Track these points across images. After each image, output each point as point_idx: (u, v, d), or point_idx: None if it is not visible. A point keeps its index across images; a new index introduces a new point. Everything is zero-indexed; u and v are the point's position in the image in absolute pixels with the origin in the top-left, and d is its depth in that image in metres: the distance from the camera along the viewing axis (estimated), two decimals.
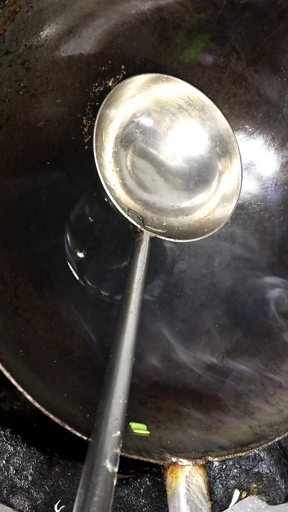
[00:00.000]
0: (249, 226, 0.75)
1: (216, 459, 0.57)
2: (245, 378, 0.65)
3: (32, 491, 0.62)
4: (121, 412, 0.52)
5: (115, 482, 0.49)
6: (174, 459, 0.56)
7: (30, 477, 0.63)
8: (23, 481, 0.63)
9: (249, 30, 0.67)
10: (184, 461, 0.56)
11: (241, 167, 0.71)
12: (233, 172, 0.71)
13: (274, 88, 0.70)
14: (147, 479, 0.65)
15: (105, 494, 0.47)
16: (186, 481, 0.55)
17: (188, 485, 0.55)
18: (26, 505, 0.62)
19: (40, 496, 0.62)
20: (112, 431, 0.51)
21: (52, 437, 0.76)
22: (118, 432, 0.51)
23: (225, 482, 0.66)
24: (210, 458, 0.57)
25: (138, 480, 0.65)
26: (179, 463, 0.56)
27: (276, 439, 0.59)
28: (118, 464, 0.50)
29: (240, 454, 0.58)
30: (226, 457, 0.57)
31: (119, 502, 0.64)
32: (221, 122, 0.71)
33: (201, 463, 0.57)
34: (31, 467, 0.63)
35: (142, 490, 0.64)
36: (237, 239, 0.75)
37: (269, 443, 0.58)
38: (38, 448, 0.65)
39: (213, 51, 0.70)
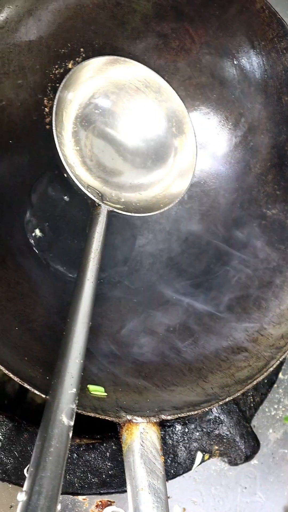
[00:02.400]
0: (205, 203, 0.78)
1: (169, 417, 0.60)
2: (200, 345, 0.68)
3: (2, 457, 0.65)
4: (77, 370, 0.55)
5: (70, 435, 0.52)
6: (129, 417, 0.60)
7: None
8: None
9: (202, 14, 0.70)
10: (139, 419, 0.60)
11: (196, 146, 0.74)
12: (188, 150, 0.74)
13: (227, 71, 0.73)
14: (112, 443, 0.68)
15: (61, 445, 0.50)
16: (140, 438, 0.59)
17: (142, 441, 0.58)
18: None
19: (9, 461, 0.65)
20: (68, 388, 0.54)
21: (20, 409, 0.79)
22: (74, 389, 0.54)
23: (188, 445, 0.69)
24: (163, 416, 0.60)
25: (104, 444, 0.68)
26: (134, 421, 0.59)
27: (227, 399, 0.62)
28: (73, 419, 0.53)
29: (192, 412, 0.61)
30: (179, 415, 0.61)
31: (86, 466, 0.67)
32: (177, 103, 0.74)
33: (154, 420, 0.60)
34: (0, 433, 0.66)
35: (108, 454, 0.67)
36: (194, 216, 0.78)
37: (220, 403, 0.62)
38: (6, 416, 0.67)
39: (168, 35, 0.73)
